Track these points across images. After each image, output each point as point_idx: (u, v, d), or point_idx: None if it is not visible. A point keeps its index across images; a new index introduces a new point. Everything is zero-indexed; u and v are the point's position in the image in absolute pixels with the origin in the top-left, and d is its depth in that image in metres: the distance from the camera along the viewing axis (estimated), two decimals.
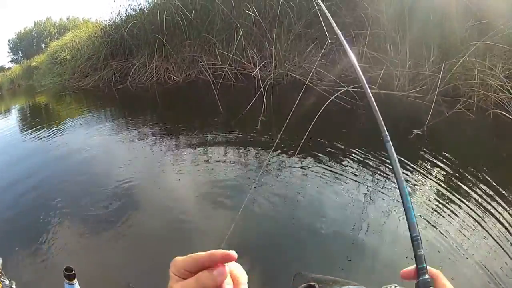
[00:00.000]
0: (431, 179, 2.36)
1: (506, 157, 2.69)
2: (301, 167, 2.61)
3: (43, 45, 14.50)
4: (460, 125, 3.46)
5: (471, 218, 1.86)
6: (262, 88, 3.73)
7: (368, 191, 2.25)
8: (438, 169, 2.55)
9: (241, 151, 3.06)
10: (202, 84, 4.44)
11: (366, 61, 4.59)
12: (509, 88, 3.54)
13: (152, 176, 2.64)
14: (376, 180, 2.39)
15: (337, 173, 2.49)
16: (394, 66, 4.52)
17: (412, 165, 2.56)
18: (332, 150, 2.90)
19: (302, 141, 2.78)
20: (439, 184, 2.29)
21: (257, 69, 3.95)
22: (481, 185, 2.20)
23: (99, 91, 6.32)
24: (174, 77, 5.04)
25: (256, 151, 3.01)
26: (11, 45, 18.08)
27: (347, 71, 4.55)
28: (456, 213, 1.93)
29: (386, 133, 0.63)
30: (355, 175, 2.46)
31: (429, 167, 2.58)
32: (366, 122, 3.46)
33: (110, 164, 3.00)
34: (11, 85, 15.78)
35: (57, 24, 14.46)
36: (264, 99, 3.69)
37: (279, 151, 2.86)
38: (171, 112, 4.52)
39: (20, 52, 17.71)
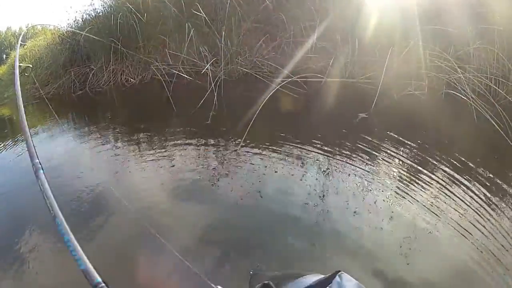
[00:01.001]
0: (372, 159, 2.52)
1: (455, 132, 2.90)
2: (249, 152, 2.76)
3: (4, 56, 14.09)
4: (409, 106, 3.64)
5: (415, 192, 2.03)
6: (213, 85, 3.84)
7: (313, 173, 2.39)
8: (381, 147, 2.72)
9: (192, 146, 3.17)
10: (157, 84, 4.52)
11: (317, 51, 4.75)
12: (459, 68, 3.75)
13: (116, 178, 2.71)
14: (324, 162, 2.53)
15: (281, 158, 2.63)
16: (344, 55, 4.70)
17: (356, 146, 2.73)
18: (279, 136, 3.05)
19: (247, 129, 2.94)
20: (380, 164, 2.46)
21: (208, 65, 4.06)
22: (428, 161, 2.39)
23: (60, 98, 6.27)
24: (131, 79, 5.08)
25: (207, 145, 3.12)
26: None
27: (299, 62, 4.71)
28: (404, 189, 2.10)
29: (38, 160, 0.68)
30: (299, 159, 2.61)
31: (371, 147, 2.75)
32: (317, 110, 3.63)
33: (74, 170, 3.02)
34: None
35: (16, 34, 14.10)
36: (215, 95, 3.80)
37: (230, 141, 3.00)
38: (128, 114, 4.59)
39: None
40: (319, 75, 4.30)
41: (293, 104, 3.80)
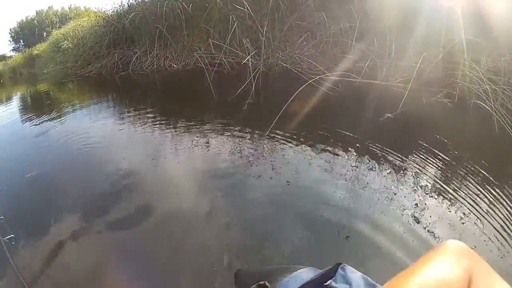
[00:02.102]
0: (392, 157, 2.66)
1: (477, 141, 3.00)
2: (276, 140, 2.94)
3: (45, 34, 14.67)
4: (435, 111, 3.75)
5: (433, 195, 2.14)
6: (252, 76, 4.04)
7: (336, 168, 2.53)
8: (402, 148, 2.85)
9: (226, 128, 3.40)
10: (199, 71, 4.75)
11: (355, 52, 4.88)
12: (488, 80, 3.82)
13: (153, 159, 2.88)
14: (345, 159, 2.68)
15: (305, 147, 2.79)
16: (380, 58, 4.82)
17: (378, 144, 2.87)
18: (307, 126, 3.23)
19: (273, 123, 3.12)
20: (399, 162, 2.59)
21: (248, 57, 4.27)
22: (446, 166, 2.50)
23: (102, 78, 6.61)
24: (174, 65, 5.34)
25: (240, 129, 3.33)
26: (13, 34, 18.19)
27: (337, 61, 4.86)
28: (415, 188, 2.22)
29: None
30: (321, 150, 2.76)
31: (393, 145, 2.88)
32: (346, 108, 3.78)
33: (111, 150, 3.23)
34: (12, 74, 15.88)
35: (58, 13, 14.65)
36: (253, 85, 4.00)
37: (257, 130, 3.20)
38: (170, 96, 4.85)
39: (21, 41, 17.83)
40: (354, 75, 4.44)
41: (325, 100, 3.95)
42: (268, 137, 3.01)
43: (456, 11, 4.40)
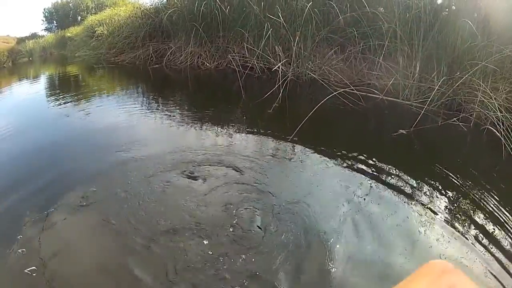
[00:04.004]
0: (399, 172, 2.85)
1: (482, 166, 3.18)
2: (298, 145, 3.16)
3: (79, 18, 15.16)
4: (449, 133, 3.94)
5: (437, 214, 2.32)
6: (280, 82, 4.30)
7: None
8: (407, 164, 3.05)
9: (254, 127, 3.65)
10: (231, 73, 5.03)
11: (381, 69, 5.09)
12: (503, 108, 3.98)
13: (177, 149, 3.03)
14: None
15: (321, 155, 3.00)
16: (403, 77, 5.01)
17: (389, 159, 3.08)
18: (326, 135, 3.48)
19: (298, 128, 3.36)
20: (404, 177, 2.77)
21: (279, 64, 4.53)
22: (449, 189, 2.68)
23: (135, 67, 6.96)
24: (207, 64, 5.63)
25: (264, 131, 3.58)
26: (46, 14, 18.76)
27: (363, 77, 5.09)
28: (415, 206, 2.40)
29: None
30: (334, 158, 2.96)
31: (402, 161, 3.09)
32: (364, 121, 4.01)
33: (133, 138, 3.32)
34: (42, 53, 16.30)
35: None
36: (281, 91, 4.26)
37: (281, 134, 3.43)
38: (200, 93, 5.14)
39: (54, 22, 18.40)
40: (377, 92, 4.65)
41: (347, 112, 4.19)
42: (291, 141, 3.25)
43: (479, 38, 4.59)
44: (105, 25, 9.76)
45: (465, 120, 4.23)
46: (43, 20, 19.04)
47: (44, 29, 19.05)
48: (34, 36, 18.92)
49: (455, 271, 0.45)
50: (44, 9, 18.70)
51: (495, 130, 3.70)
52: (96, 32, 10.05)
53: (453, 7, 5.19)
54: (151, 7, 7.81)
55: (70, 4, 16.93)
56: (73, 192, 2.34)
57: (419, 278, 0.46)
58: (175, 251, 1.79)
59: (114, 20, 9.44)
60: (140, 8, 8.30)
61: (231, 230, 1.95)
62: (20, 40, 18.55)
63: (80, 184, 2.44)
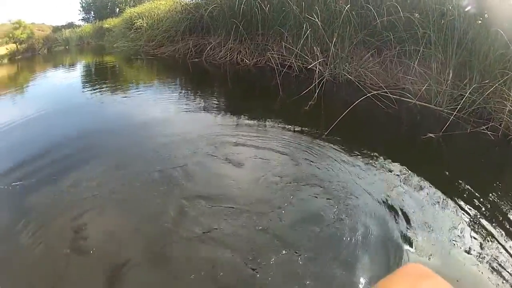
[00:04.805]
0: (424, 175, 2.99)
1: (505, 176, 3.31)
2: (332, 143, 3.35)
3: (117, 10, 15.71)
4: (476, 141, 4.06)
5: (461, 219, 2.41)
6: (317, 81, 4.51)
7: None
8: (436, 166, 3.20)
9: (290, 123, 3.87)
10: (269, 70, 5.26)
11: (415, 74, 5.21)
12: None
13: (212, 144, 3.21)
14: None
15: (352, 155, 3.18)
16: (436, 83, 5.11)
17: (417, 161, 3.24)
18: (358, 136, 3.69)
19: (332, 126, 3.55)
20: (430, 181, 2.90)
21: (316, 63, 4.74)
22: (473, 196, 2.82)
23: (174, 60, 7.30)
24: (246, 60, 5.89)
25: (299, 127, 3.79)
26: (84, 4, 19.44)
27: (398, 81, 5.23)
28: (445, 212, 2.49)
29: None
30: (363, 159, 3.13)
31: (429, 163, 3.25)
32: (396, 124, 4.15)
33: (169, 132, 3.48)
34: (79, 42, 16.91)
35: None
36: (317, 90, 4.47)
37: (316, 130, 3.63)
38: (238, 88, 5.41)
39: (92, 13, 19.07)
40: (410, 96, 4.78)
41: (380, 115, 4.36)
42: (324, 138, 3.45)
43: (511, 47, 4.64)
44: (144, 18, 10.17)
45: (494, 129, 4.32)
46: (80, 10, 19.69)
47: (81, 19, 19.75)
48: (70, 25, 19.61)
49: (433, 276, 0.45)
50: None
51: None
52: (135, 24, 10.47)
53: (486, 16, 5.25)
54: (192, 2, 8.12)
55: None
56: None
57: (397, 280, 0.46)
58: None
59: (154, 13, 9.82)
60: (181, 3, 8.63)
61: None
62: (56, 29, 19.25)
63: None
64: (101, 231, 2.02)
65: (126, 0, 15.42)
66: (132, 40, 10.39)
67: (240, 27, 6.13)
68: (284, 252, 1.84)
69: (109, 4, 16.71)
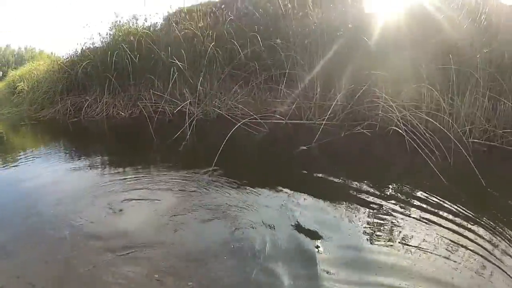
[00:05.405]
0: (302, 186, 3.20)
1: (389, 164, 3.64)
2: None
3: (1, 73, 14.66)
4: (354, 141, 4.43)
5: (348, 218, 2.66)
6: (188, 122, 4.61)
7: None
8: (313, 175, 3.43)
9: (166, 166, 3.89)
10: (144, 119, 5.24)
11: (284, 96, 5.56)
12: (401, 108, 4.49)
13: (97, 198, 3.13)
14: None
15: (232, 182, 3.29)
16: (306, 100, 5.51)
17: (288, 174, 3.45)
18: (234, 163, 3.83)
19: (215, 159, 3.64)
20: (309, 190, 3.12)
21: (184, 104, 4.86)
22: (362, 190, 3.08)
23: (55, 123, 6.93)
24: (121, 113, 5.81)
25: (175, 168, 3.83)
26: None
27: (268, 105, 5.53)
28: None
29: None
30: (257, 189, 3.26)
31: (304, 175, 3.47)
32: (269, 145, 4.37)
33: (57, 194, 3.30)
34: None
35: (15, 53, 14.77)
36: (189, 130, 4.56)
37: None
38: (116, 142, 5.29)
39: None
40: (281, 117, 5.10)
41: (254, 140, 4.57)
42: (200, 174, 3.51)
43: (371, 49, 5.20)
44: (25, 81, 9.58)
45: (370, 126, 4.73)
46: None
47: None
48: None
49: None
50: None
51: (398, 129, 4.20)
52: (17, 88, 9.82)
53: (350, 25, 5.86)
54: (67, 60, 7.86)
55: None
56: None
57: None
58: None
59: (34, 74, 9.31)
60: (57, 62, 8.31)
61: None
62: None
63: None
64: None
65: (8, 61, 14.44)
66: (16, 105, 9.69)
67: (113, 80, 6.06)
68: None
69: None
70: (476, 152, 3.80)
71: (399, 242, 2.25)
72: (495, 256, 2.04)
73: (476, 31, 4.67)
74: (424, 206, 2.74)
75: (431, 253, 2.09)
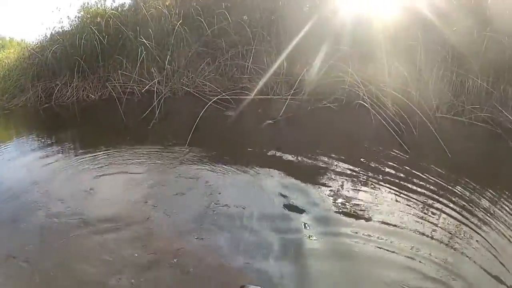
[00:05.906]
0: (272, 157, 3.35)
1: (355, 137, 3.78)
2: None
3: None
4: (320, 116, 4.57)
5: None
6: (156, 101, 4.69)
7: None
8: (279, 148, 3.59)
9: (136, 145, 4.00)
10: (113, 100, 5.29)
11: (250, 72, 5.65)
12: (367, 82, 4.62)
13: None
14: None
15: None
16: (274, 75, 5.60)
17: (256, 148, 3.60)
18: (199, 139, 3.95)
19: (189, 137, 3.77)
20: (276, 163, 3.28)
21: (152, 82, 4.93)
22: (326, 161, 3.24)
23: (26, 111, 6.88)
24: (91, 96, 5.83)
25: (147, 144, 3.97)
26: None
27: (236, 82, 5.62)
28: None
29: None
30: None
31: (270, 147, 3.63)
32: (238, 121, 4.54)
33: (32, 178, 3.49)
34: None
35: None
36: (157, 109, 4.64)
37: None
38: (87, 126, 5.32)
39: None
40: (248, 93, 5.19)
41: (223, 117, 4.68)
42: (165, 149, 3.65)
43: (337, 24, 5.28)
44: None
45: (336, 101, 4.86)
46: None
47: None
48: None
49: None
50: None
51: (364, 103, 4.35)
52: None
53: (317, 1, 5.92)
54: (36, 45, 7.74)
55: None
56: None
57: None
58: None
59: (5, 63, 9.12)
60: (28, 48, 8.16)
61: None
62: None
63: None
64: None
65: None
66: None
67: (82, 62, 6.04)
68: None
69: None
70: (442, 126, 3.96)
71: (364, 204, 2.47)
72: (463, 216, 2.30)
73: (448, 9, 4.76)
74: (391, 176, 2.94)
75: (400, 217, 2.32)
